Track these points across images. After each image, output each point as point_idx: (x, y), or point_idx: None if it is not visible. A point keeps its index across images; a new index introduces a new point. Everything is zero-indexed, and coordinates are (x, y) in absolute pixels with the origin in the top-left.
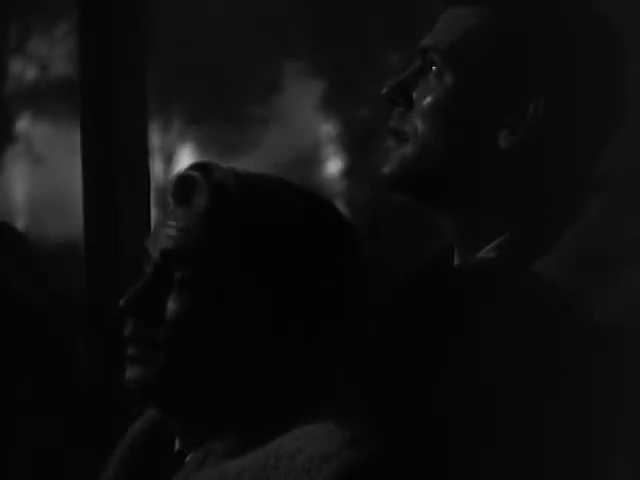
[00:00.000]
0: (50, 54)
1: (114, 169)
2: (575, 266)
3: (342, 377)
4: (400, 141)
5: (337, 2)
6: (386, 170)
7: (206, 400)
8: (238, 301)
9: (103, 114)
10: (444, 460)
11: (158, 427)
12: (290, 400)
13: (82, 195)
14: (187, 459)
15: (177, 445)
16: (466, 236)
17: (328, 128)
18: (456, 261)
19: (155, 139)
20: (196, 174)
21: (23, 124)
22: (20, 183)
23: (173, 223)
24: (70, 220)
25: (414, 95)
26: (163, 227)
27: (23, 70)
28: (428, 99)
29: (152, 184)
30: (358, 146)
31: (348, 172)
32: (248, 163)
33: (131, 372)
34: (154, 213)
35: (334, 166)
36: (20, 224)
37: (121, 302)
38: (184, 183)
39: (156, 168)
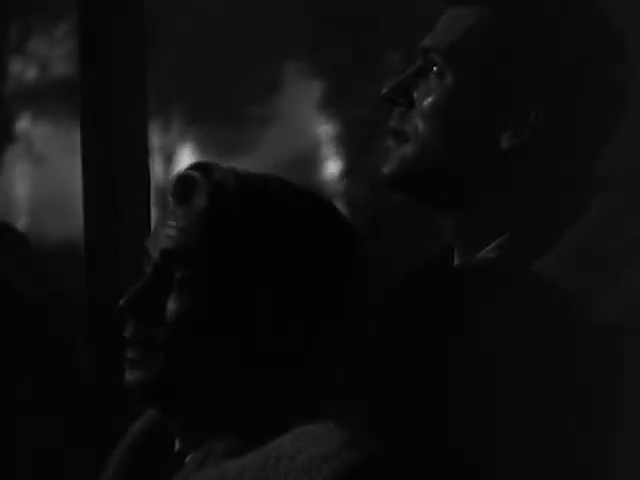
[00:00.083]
0: (50, 54)
1: (114, 169)
2: (575, 266)
3: (342, 377)
4: (400, 141)
5: (337, 2)
6: (386, 170)
7: (206, 400)
8: (238, 301)
9: (103, 114)
10: (444, 460)
11: (158, 427)
12: (290, 400)
13: (82, 195)
14: (187, 459)
15: (177, 445)
16: (466, 236)
17: (328, 128)
18: (456, 261)
19: (155, 139)
20: (196, 174)
21: (23, 124)
22: (20, 183)
23: (173, 223)
24: (70, 220)
25: (415, 95)
26: (163, 227)
27: (23, 70)
28: (429, 99)
29: (152, 184)
30: (358, 146)
31: (348, 172)
32: (248, 163)
33: (131, 375)
34: (154, 213)
35: (334, 166)
36: (20, 224)
37: (121, 302)
38: (184, 183)
39: (156, 168)
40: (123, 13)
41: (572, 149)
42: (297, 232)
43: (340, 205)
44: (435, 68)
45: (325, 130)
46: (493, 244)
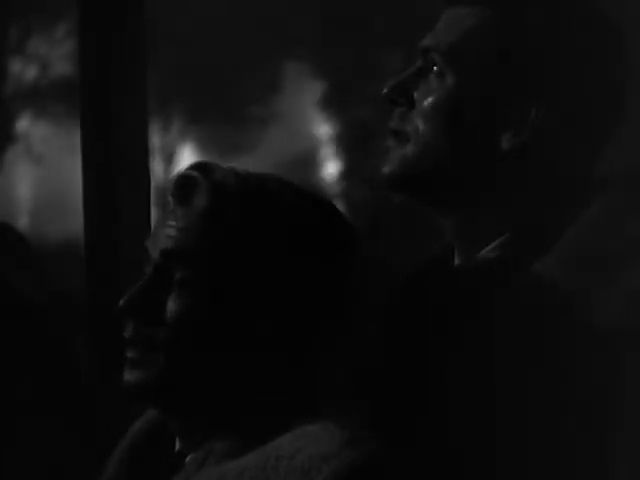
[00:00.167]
0: (50, 54)
1: (114, 169)
2: (575, 266)
3: (342, 377)
4: (401, 141)
5: (337, 2)
6: (386, 170)
7: (206, 400)
8: (238, 301)
9: (103, 114)
10: (444, 460)
11: (158, 427)
12: (290, 400)
13: (82, 195)
14: (187, 459)
15: (177, 445)
16: (466, 236)
17: (328, 128)
18: (456, 261)
19: (155, 139)
20: (196, 174)
21: (23, 124)
22: (20, 183)
23: (173, 223)
24: (70, 220)
25: (415, 95)
26: (163, 227)
27: (23, 70)
28: (429, 99)
29: (152, 184)
30: (358, 146)
31: (348, 172)
32: (248, 163)
33: (130, 375)
34: (154, 213)
35: (334, 166)
36: (20, 224)
37: (121, 302)
38: (184, 183)
39: (156, 168)
40: (123, 13)
41: (572, 149)
42: (297, 232)
43: (340, 205)
44: (435, 68)
45: (325, 130)
46: (493, 244)
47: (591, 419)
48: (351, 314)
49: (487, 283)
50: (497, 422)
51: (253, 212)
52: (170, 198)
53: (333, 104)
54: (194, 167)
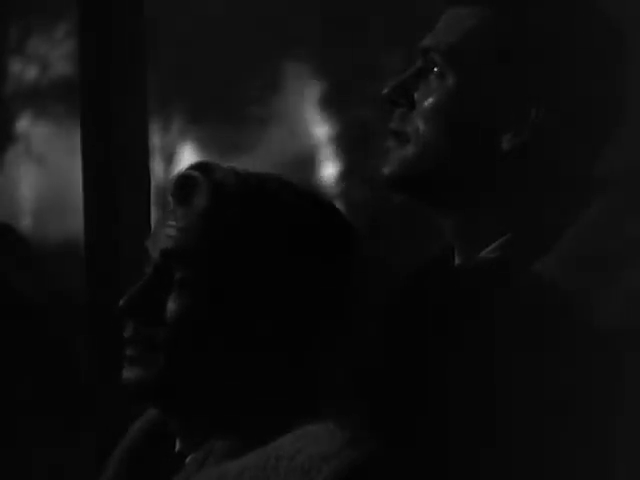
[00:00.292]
0: (50, 54)
1: (114, 169)
2: (575, 266)
3: (342, 377)
4: (401, 142)
5: (337, 2)
6: (386, 171)
7: (206, 400)
8: (238, 301)
9: (103, 114)
10: (444, 460)
11: (158, 427)
12: (290, 400)
13: (82, 195)
14: (187, 460)
15: (177, 445)
16: (466, 236)
17: (328, 128)
18: (456, 261)
19: (155, 139)
20: (196, 174)
21: (23, 124)
22: (20, 183)
23: (173, 223)
24: (70, 220)
25: (415, 96)
26: (163, 227)
27: (23, 70)
28: (430, 100)
29: (152, 184)
30: (358, 146)
31: (348, 172)
32: (248, 163)
33: (130, 373)
34: (154, 213)
35: (334, 166)
36: (20, 224)
37: (121, 302)
38: (184, 183)
39: (156, 168)
40: (123, 13)
41: (572, 149)
42: (297, 232)
43: (340, 205)
44: (436, 69)
45: (325, 130)
46: (493, 244)
47: (591, 419)
48: (351, 314)
49: (487, 283)
50: (497, 422)
51: (253, 212)
52: (170, 198)
53: (333, 104)
54: (194, 167)
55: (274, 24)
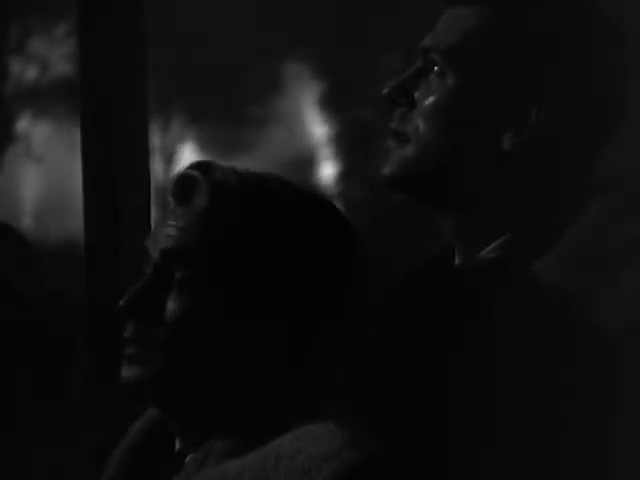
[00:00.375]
0: (50, 54)
1: (114, 169)
2: (575, 266)
3: (342, 377)
4: (401, 142)
5: (337, 2)
6: (386, 171)
7: (206, 400)
8: (238, 301)
9: (103, 114)
10: (444, 460)
11: (158, 427)
12: (290, 400)
13: (82, 195)
14: (187, 459)
15: (177, 445)
16: (466, 236)
17: (328, 128)
18: (456, 261)
19: (155, 139)
20: (196, 173)
21: (23, 124)
22: (20, 183)
23: (173, 223)
24: (70, 220)
25: (415, 95)
26: (163, 227)
27: (23, 70)
28: (430, 99)
29: (152, 184)
30: (358, 146)
31: (348, 172)
32: (248, 163)
33: (129, 372)
34: (154, 213)
35: (334, 166)
36: (20, 224)
37: (121, 302)
38: (184, 182)
39: (156, 168)
40: (123, 13)
41: (572, 149)
42: (297, 232)
43: (340, 205)
44: (436, 68)
45: (325, 130)
46: (494, 244)
47: (591, 419)
48: (351, 314)
49: (487, 283)
50: (497, 422)
51: (253, 212)
52: (170, 198)
53: (333, 104)
54: (194, 166)
55: (274, 24)
